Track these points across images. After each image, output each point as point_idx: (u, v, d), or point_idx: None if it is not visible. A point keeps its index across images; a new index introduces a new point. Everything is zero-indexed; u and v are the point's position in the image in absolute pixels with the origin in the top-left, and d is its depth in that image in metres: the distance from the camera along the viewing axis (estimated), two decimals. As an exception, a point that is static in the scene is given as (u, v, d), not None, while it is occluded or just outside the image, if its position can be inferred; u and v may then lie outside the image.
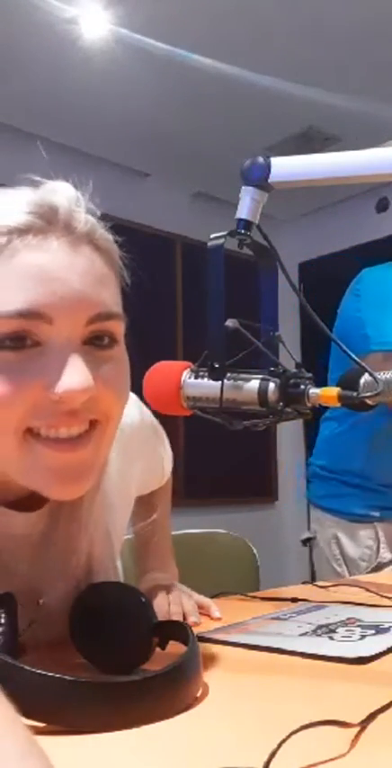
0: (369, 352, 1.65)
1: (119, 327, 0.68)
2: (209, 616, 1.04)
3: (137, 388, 0.91)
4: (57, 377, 0.61)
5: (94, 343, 0.66)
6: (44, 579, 0.76)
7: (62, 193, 0.68)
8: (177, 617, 1.00)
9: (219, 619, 1.02)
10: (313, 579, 1.85)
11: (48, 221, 0.64)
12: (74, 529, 0.77)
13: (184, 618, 1.01)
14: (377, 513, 1.85)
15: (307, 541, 2.02)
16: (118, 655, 0.71)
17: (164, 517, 1.25)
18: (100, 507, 0.81)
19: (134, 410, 0.95)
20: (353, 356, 0.81)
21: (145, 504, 1.18)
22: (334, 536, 1.90)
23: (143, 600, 0.74)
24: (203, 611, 1.06)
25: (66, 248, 0.64)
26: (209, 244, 0.82)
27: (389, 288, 1.83)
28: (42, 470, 0.64)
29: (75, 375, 0.61)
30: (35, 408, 0.62)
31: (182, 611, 1.02)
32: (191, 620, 1.00)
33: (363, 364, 0.80)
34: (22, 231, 0.63)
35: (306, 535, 2.02)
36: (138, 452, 0.97)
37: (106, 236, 0.71)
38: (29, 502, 0.73)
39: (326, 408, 2.00)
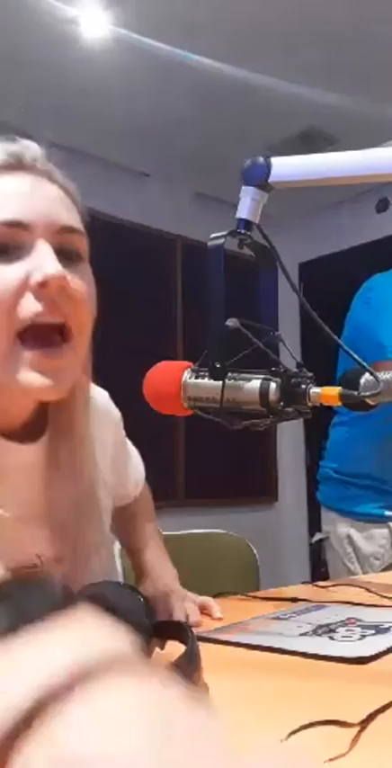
0: (385, 360, 1.67)
1: (82, 244, 0.83)
2: (209, 616, 1.04)
3: (137, 388, 0.91)
4: (36, 267, 0.75)
5: (64, 254, 0.78)
6: (55, 504, 0.85)
7: (29, 146, 0.87)
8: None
9: (220, 619, 1.03)
10: (319, 579, 1.87)
11: (18, 161, 0.82)
12: (75, 450, 0.87)
13: (186, 618, 1.01)
14: (391, 513, 1.88)
15: (319, 543, 2.04)
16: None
17: (150, 522, 1.26)
18: (91, 438, 0.91)
19: (107, 398, 1.07)
20: (355, 356, 0.81)
21: (128, 516, 1.21)
22: (346, 535, 1.93)
23: (142, 599, 0.73)
24: (205, 611, 1.06)
25: (35, 180, 0.81)
26: (209, 244, 0.82)
27: None
28: (28, 371, 0.76)
29: (50, 264, 0.75)
30: (20, 300, 0.74)
31: (185, 613, 1.02)
32: (192, 620, 1.00)
33: (364, 364, 0.80)
34: (3, 166, 0.80)
35: (318, 536, 2.04)
36: (111, 435, 1.06)
37: (68, 181, 0.88)
38: (30, 434, 0.85)
39: (335, 414, 2.03)
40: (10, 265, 0.75)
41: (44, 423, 0.87)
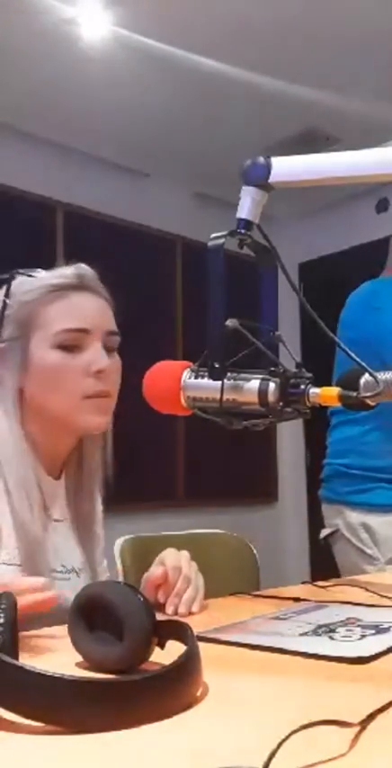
0: None
1: (117, 342, 1.18)
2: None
3: (137, 388, 0.91)
4: (94, 360, 1.11)
5: (107, 349, 1.14)
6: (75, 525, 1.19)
7: (85, 269, 1.17)
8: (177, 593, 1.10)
9: (193, 613, 1.07)
10: (322, 578, 1.90)
11: (81, 282, 1.14)
12: (84, 482, 1.22)
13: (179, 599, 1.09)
14: None
15: (327, 538, 2.06)
16: (117, 654, 0.71)
17: None
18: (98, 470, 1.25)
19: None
20: (354, 356, 0.81)
21: None
22: (361, 523, 1.96)
23: (142, 599, 0.74)
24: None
25: (92, 296, 1.15)
26: (210, 244, 0.82)
27: None
28: (91, 412, 1.12)
29: (104, 359, 1.12)
30: (86, 380, 1.11)
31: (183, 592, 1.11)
32: (181, 610, 1.07)
33: (363, 364, 0.80)
34: (70, 286, 1.13)
35: (325, 532, 2.06)
36: None
37: (107, 293, 1.19)
38: (59, 472, 1.18)
39: (332, 414, 2.05)
40: (75, 358, 1.11)
41: (62, 464, 1.19)
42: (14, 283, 1.12)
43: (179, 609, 1.08)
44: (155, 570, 1.15)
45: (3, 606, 0.68)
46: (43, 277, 1.13)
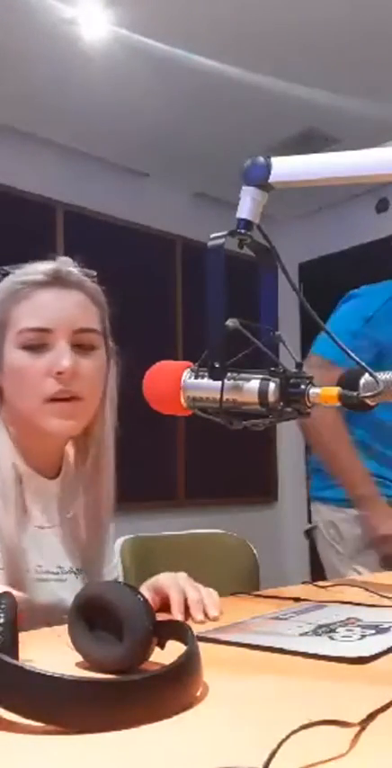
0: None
1: (96, 339, 1.12)
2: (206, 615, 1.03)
3: (137, 388, 0.91)
4: (56, 361, 1.07)
5: (80, 347, 1.09)
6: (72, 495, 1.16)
7: (64, 262, 1.13)
8: (178, 605, 1.04)
9: (216, 618, 1.02)
10: (318, 570, 1.92)
11: (53, 278, 1.10)
12: (84, 484, 1.16)
13: (186, 610, 1.04)
14: None
15: (309, 532, 2.13)
16: (118, 654, 0.71)
17: None
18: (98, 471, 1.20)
19: None
20: (353, 355, 0.81)
21: None
22: (330, 519, 2.03)
23: (142, 599, 0.73)
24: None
25: (65, 291, 1.10)
26: (210, 244, 0.82)
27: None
28: (53, 418, 1.08)
29: (66, 359, 1.06)
30: (47, 381, 1.07)
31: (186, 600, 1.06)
32: (198, 617, 1.02)
33: (363, 364, 0.80)
34: (39, 283, 1.09)
35: (307, 526, 2.15)
36: None
37: (95, 286, 1.14)
38: (54, 473, 1.16)
39: None
40: (38, 358, 1.07)
41: (60, 465, 1.18)
42: None
43: (209, 612, 1.03)
44: (153, 597, 1.08)
45: (2, 606, 0.68)
46: (16, 274, 1.10)
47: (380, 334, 1.89)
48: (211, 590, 1.10)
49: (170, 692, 0.62)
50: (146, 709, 0.59)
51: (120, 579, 1.33)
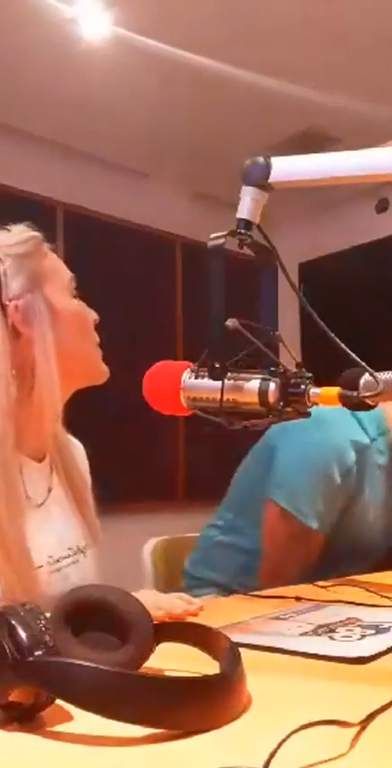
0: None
1: None
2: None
3: (137, 388, 0.91)
4: (92, 311, 1.19)
5: None
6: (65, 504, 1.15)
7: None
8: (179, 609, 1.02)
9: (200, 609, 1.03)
10: None
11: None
12: (66, 465, 1.18)
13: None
14: None
15: None
16: (122, 657, 0.70)
17: None
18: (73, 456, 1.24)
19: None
20: (353, 355, 0.81)
21: None
22: None
23: (139, 601, 0.73)
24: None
25: None
26: (209, 244, 0.82)
27: None
28: (101, 360, 1.16)
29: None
30: (93, 328, 1.17)
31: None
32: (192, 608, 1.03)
33: (363, 364, 0.80)
34: (43, 239, 1.16)
35: None
36: (85, 464, 1.33)
37: None
38: (43, 456, 1.14)
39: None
40: (84, 307, 1.16)
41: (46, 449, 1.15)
42: None
43: (192, 609, 1.03)
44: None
45: (37, 611, 0.62)
46: (22, 230, 1.14)
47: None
48: (178, 594, 1.11)
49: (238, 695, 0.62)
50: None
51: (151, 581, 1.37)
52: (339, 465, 1.54)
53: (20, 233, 1.12)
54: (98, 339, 1.16)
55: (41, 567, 1.04)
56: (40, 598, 0.90)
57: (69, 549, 1.10)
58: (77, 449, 1.29)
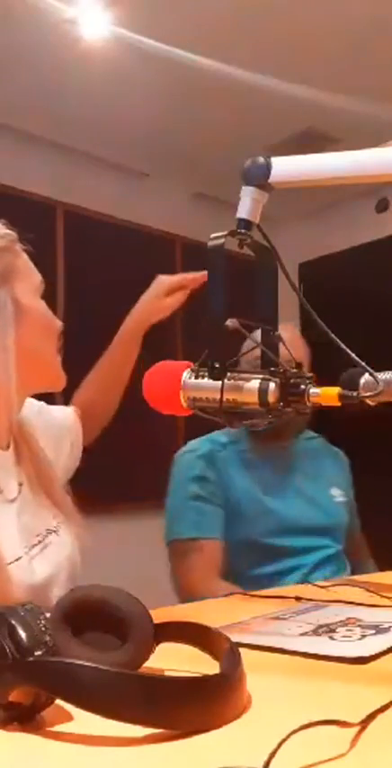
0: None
1: None
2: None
3: (137, 388, 0.91)
4: (55, 316, 1.22)
5: None
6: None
7: None
8: None
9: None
10: None
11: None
12: (30, 448, 1.18)
13: None
14: None
15: None
16: (123, 657, 0.70)
17: None
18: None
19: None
20: (353, 355, 0.81)
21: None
22: None
23: (138, 600, 0.73)
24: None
25: None
26: (210, 244, 0.82)
27: None
28: (60, 367, 1.18)
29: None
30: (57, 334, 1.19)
31: None
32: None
33: (363, 364, 0.80)
34: (16, 239, 1.16)
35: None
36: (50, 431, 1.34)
37: None
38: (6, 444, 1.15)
39: None
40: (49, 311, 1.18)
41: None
42: None
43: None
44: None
45: (37, 611, 0.62)
46: None
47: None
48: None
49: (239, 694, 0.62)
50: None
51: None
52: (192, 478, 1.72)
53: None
54: (59, 346, 1.17)
55: (20, 558, 1.05)
56: (18, 590, 0.91)
57: (38, 535, 1.11)
58: (51, 418, 1.30)
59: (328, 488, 1.84)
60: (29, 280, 1.14)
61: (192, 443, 1.83)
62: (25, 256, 1.16)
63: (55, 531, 1.13)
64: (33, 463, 1.17)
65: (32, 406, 1.25)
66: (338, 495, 1.85)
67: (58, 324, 1.19)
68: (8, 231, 1.14)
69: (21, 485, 1.14)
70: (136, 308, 1.44)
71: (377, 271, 4.89)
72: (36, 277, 1.17)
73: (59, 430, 1.31)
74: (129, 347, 1.41)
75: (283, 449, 1.80)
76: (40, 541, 1.10)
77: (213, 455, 1.77)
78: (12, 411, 1.10)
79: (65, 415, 1.35)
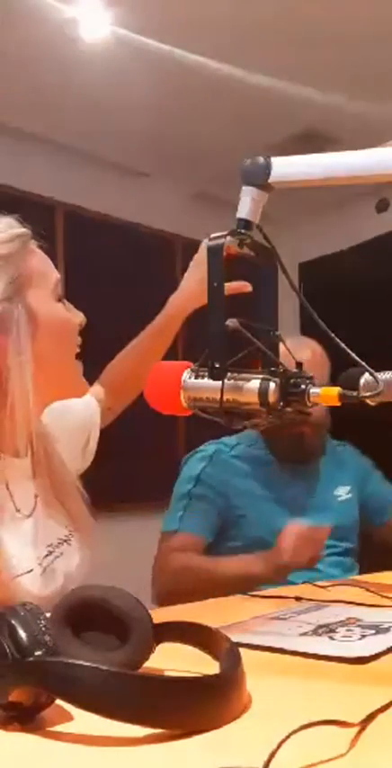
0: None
1: None
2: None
3: (137, 388, 0.91)
4: (76, 314, 1.14)
5: None
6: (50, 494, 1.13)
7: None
8: None
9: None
10: None
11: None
12: (46, 456, 1.14)
13: None
14: None
15: None
16: (123, 657, 0.70)
17: None
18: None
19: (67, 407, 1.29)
20: (353, 355, 0.81)
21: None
22: None
23: (138, 600, 0.73)
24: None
25: None
26: (210, 244, 0.82)
27: None
28: (79, 374, 1.13)
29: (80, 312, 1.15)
30: (75, 337, 1.12)
31: None
32: None
33: (363, 363, 0.80)
34: (29, 235, 1.11)
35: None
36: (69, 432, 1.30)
37: None
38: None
39: None
40: (67, 311, 1.10)
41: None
42: None
43: None
44: None
45: (37, 611, 0.62)
46: (8, 225, 1.08)
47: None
48: None
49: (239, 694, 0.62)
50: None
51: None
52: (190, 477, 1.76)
53: (4, 230, 1.06)
54: (78, 349, 1.10)
55: (31, 570, 1.03)
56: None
57: (49, 545, 1.08)
58: (70, 417, 1.24)
59: (333, 489, 1.84)
60: (44, 283, 1.07)
61: (202, 446, 1.88)
62: (40, 254, 1.10)
63: (67, 541, 1.11)
64: (50, 474, 1.13)
65: (52, 412, 1.17)
66: (343, 493, 1.84)
67: (77, 321, 1.11)
68: (19, 231, 1.08)
69: (36, 497, 1.10)
70: (182, 290, 1.40)
71: (377, 270, 4.89)
72: (52, 277, 1.09)
73: (79, 427, 1.28)
74: (170, 331, 1.39)
75: (306, 472, 1.82)
76: (51, 552, 1.08)
77: (217, 457, 1.80)
78: (30, 424, 1.04)
79: (85, 405, 1.30)
